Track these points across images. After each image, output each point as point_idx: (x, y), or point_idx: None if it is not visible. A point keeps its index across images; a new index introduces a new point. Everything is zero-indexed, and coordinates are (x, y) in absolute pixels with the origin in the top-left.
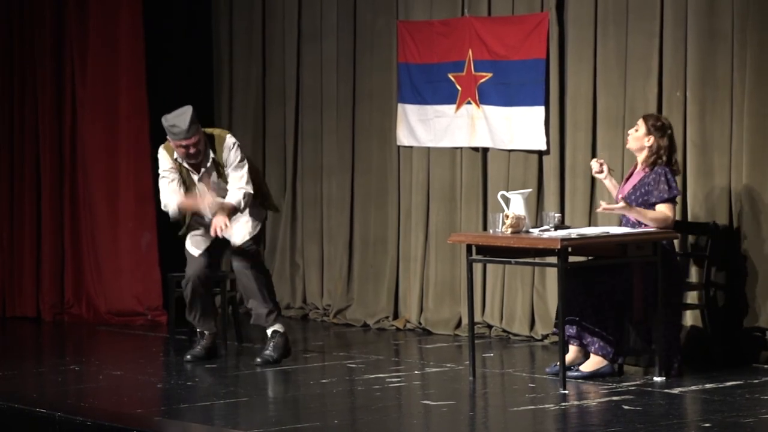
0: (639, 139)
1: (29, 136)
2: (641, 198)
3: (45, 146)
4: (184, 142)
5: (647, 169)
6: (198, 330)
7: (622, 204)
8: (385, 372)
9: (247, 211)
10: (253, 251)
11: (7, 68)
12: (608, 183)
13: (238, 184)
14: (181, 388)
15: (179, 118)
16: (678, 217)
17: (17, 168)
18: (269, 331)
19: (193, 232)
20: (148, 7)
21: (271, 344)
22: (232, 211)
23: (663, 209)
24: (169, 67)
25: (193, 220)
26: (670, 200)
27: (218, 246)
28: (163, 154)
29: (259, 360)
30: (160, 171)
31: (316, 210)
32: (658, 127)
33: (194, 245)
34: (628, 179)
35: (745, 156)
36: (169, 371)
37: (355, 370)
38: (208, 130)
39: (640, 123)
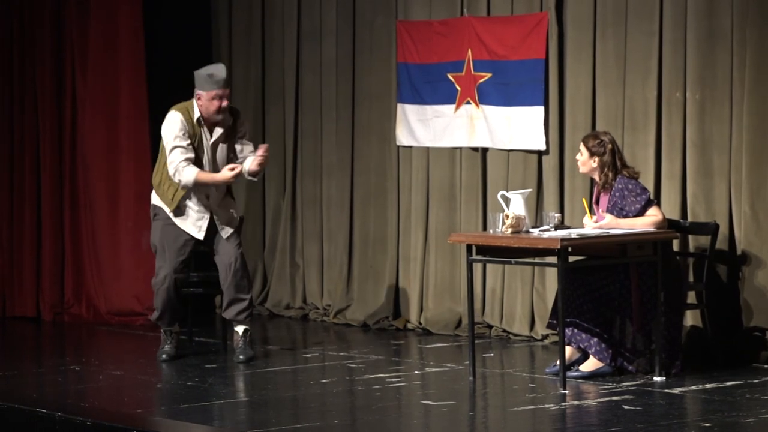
0: (585, 163)
1: (29, 136)
2: (620, 217)
3: (45, 146)
4: (221, 92)
5: (607, 190)
6: (164, 329)
7: (608, 218)
8: (385, 372)
9: (231, 199)
10: (239, 243)
11: (7, 68)
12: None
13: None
14: (181, 388)
15: (217, 67)
16: (678, 217)
17: (17, 168)
18: (240, 329)
19: (181, 216)
20: (148, 7)
21: (244, 342)
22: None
23: (649, 213)
24: (169, 66)
25: (182, 202)
26: (648, 204)
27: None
28: (177, 117)
29: (242, 357)
30: (170, 138)
31: (315, 210)
32: (597, 145)
33: (191, 227)
34: (596, 202)
35: (745, 155)
36: (169, 371)
37: (355, 370)
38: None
39: (582, 147)
